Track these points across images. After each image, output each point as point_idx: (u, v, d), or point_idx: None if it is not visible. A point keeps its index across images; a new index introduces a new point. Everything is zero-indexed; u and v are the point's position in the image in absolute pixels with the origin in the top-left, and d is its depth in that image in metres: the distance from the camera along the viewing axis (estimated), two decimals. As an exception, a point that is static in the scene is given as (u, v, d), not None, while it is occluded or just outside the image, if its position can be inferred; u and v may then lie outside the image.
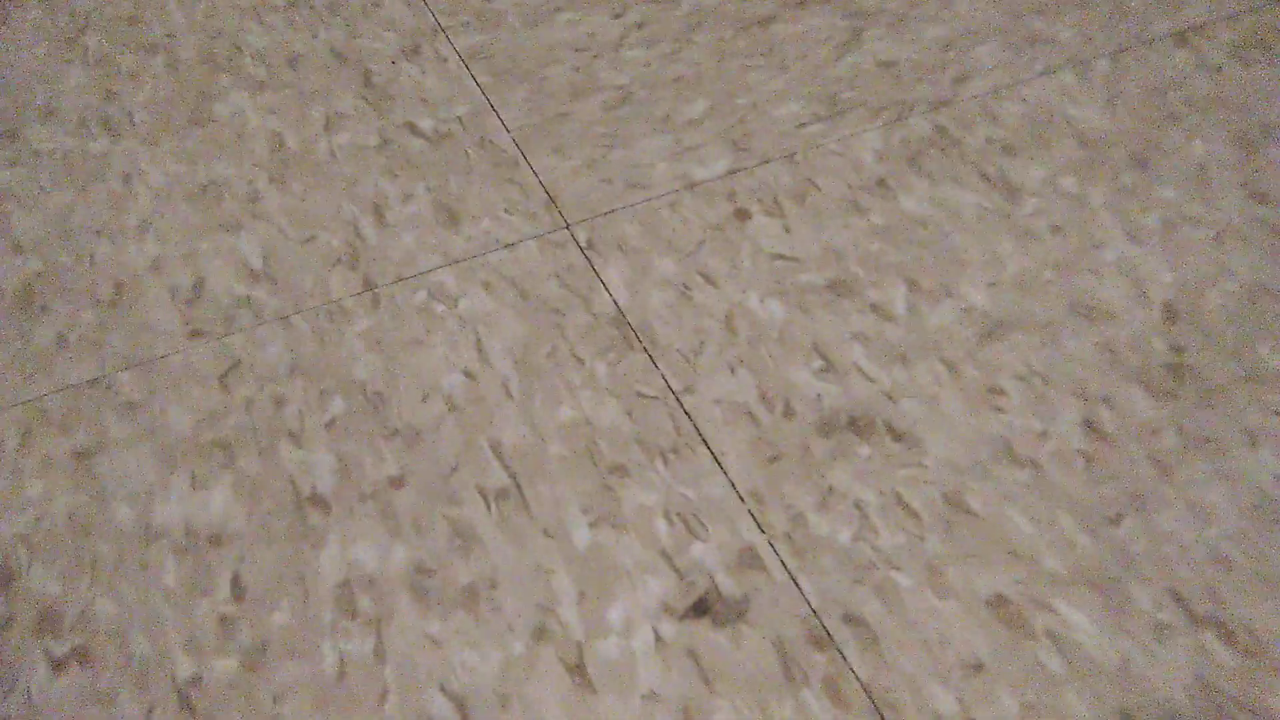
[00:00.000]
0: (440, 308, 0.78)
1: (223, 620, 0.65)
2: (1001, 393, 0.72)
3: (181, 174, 0.86)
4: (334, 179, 0.85)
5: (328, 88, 0.91)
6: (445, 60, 0.92)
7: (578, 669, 0.62)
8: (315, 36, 0.94)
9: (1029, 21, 0.94)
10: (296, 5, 0.97)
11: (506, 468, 0.70)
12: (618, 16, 0.96)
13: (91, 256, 0.81)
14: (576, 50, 0.93)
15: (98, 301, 0.79)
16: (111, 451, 0.72)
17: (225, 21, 0.95)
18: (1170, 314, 0.76)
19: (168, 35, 0.94)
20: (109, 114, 0.89)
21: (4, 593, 0.67)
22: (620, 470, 0.69)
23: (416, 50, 0.94)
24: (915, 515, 0.67)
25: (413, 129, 0.88)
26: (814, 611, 0.64)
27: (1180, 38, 0.93)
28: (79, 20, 0.95)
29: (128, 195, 0.84)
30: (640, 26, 0.95)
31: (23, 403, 0.75)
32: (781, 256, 0.79)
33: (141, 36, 0.94)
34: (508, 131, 0.87)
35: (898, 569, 0.65)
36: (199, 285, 0.79)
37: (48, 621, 0.66)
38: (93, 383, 0.75)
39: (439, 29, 0.95)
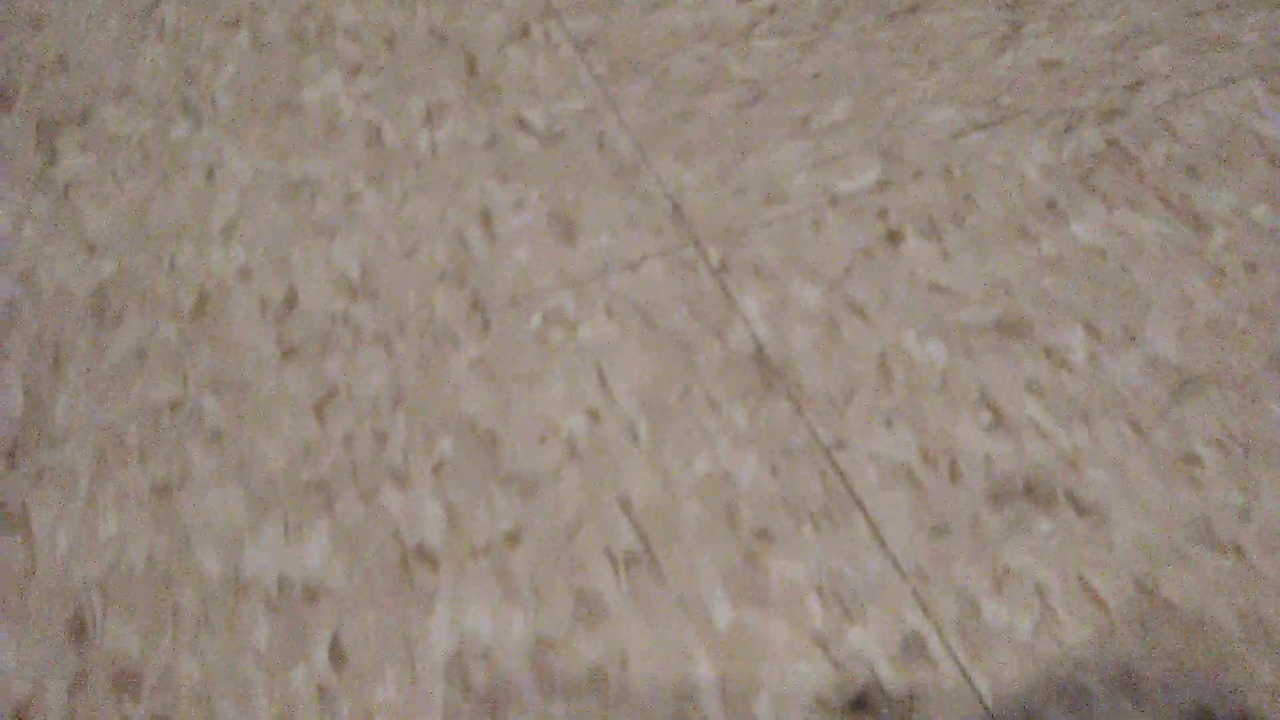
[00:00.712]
0: (558, 334, 0.70)
1: (321, 691, 0.58)
2: (1197, 461, 0.64)
3: (270, 170, 0.78)
4: (437, 180, 0.77)
5: (428, 74, 0.83)
6: (557, 46, 0.84)
7: (729, 781, 0.55)
8: (414, 13, 0.86)
9: (1207, 21, 0.85)
10: (393, -22, 0.88)
11: (637, 528, 0.62)
12: (745, 0, 0.86)
13: (172, 260, 0.74)
14: (701, 38, 0.84)
15: (179, 313, 0.72)
16: (196, 488, 0.65)
17: (316, -6, 0.87)
18: (1385, 373, 0.67)
19: (252, 7, 0.86)
20: (189, 97, 0.81)
21: (76, 646, 0.60)
22: (765, 536, 0.61)
23: (525, 33, 0.85)
24: (1104, 605, 0.59)
25: (522, 125, 0.80)
26: (990, 715, 0.56)
27: (1377, 44, 0.83)
28: (156, -12, 0.87)
29: (211, 191, 0.77)
30: (772, 12, 0.85)
31: (98, 426, 0.68)
32: (940, 288, 0.70)
33: (223, 9, 0.86)
34: (629, 131, 0.79)
35: (1086, 670, 0.57)
36: (291, 298, 0.72)
37: (125, 682, 0.59)
38: (174, 406, 0.68)
39: (550, 9, 0.86)
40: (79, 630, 0.61)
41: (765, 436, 0.65)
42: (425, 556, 0.62)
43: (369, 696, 0.58)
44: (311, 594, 0.61)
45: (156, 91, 0.81)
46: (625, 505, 0.63)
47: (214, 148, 0.79)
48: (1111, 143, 0.77)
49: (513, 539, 0.62)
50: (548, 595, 0.60)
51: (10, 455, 0.66)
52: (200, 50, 0.84)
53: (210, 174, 0.78)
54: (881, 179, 0.75)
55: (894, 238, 0.72)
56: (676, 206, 0.75)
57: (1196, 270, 0.71)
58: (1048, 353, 0.68)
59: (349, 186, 0.77)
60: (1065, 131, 0.77)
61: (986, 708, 0.56)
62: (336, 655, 0.59)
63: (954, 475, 0.63)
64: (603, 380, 0.68)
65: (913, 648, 0.58)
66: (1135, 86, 0.80)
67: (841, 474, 0.63)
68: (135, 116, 0.80)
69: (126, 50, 0.84)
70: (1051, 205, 0.74)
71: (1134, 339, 0.68)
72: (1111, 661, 0.57)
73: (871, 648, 0.58)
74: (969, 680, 0.57)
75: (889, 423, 0.65)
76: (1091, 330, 0.69)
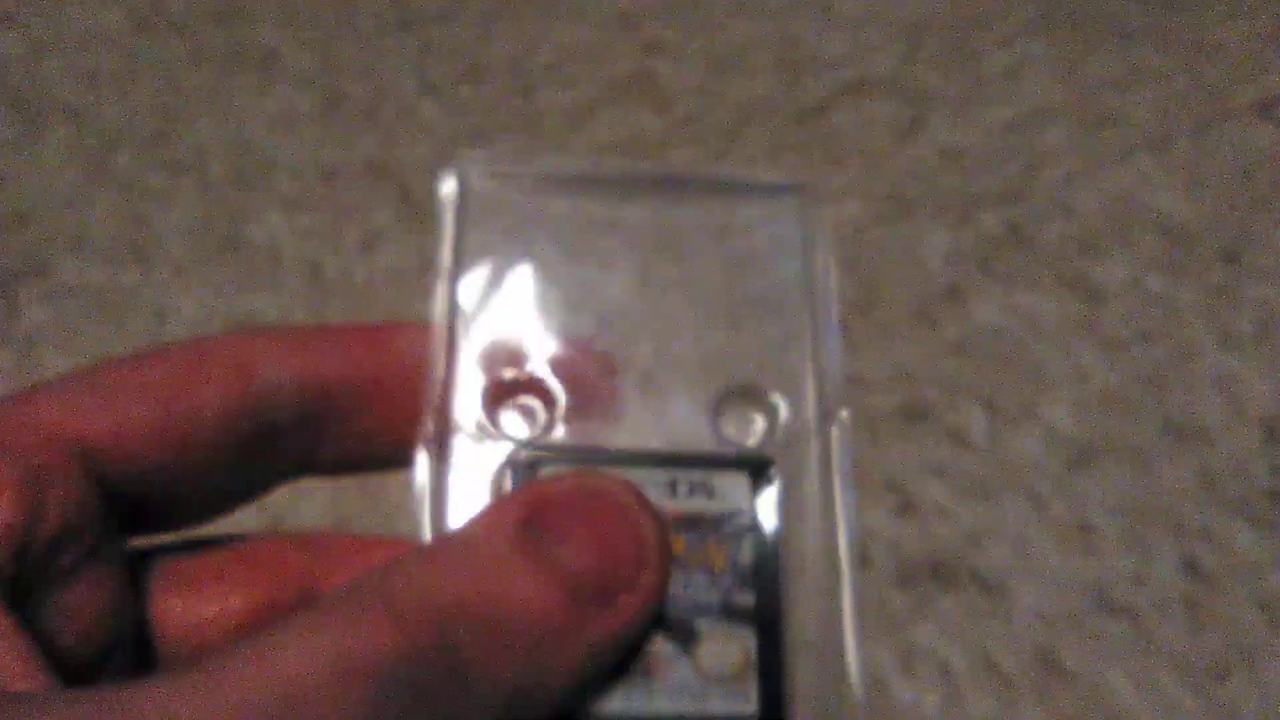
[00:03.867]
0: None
1: None
2: (1093, 530, 0.67)
3: (216, 307, 0.82)
4: (373, 306, 0.81)
5: (364, 204, 0.87)
6: (485, 168, 0.89)
7: None
8: (350, 148, 0.91)
9: (1100, 98, 0.89)
10: (329, 113, 0.93)
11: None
12: (662, 112, 0.91)
13: (126, 400, 0.78)
14: (622, 150, 0.89)
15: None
16: None
17: (256, 134, 0.92)
18: (1270, 432, 0.70)
19: (198, 151, 0.91)
20: (140, 241, 0.86)
21: None
22: (685, 632, 0.65)
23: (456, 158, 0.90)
24: (1006, 678, 0.62)
25: (454, 246, 0.84)
26: (901, 793, 0.59)
27: (1264, 109, 0.87)
28: (108, 139, 0.92)
29: (161, 332, 0.81)
30: (687, 122, 0.90)
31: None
32: (848, 378, 0.74)
33: (171, 154, 0.91)
34: (553, 245, 0.83)
35: (991, 744, 0.60)
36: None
37: None
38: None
39: (478, 133, 0.91)
40: None
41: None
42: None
43: None
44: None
45: (110, 239, 0.87)
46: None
47: (163, 290, 0.84)
48: (1010, 225, 0.81)
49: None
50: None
51: None
52: (150, 195, 0.89)
53: (160, 315, 0.82)
54: (791, 276, 0.79)
55: (803, 332, 0.76)
56: (600, 315, 0.79)
57: (1092, 343, 0.75)
58: (950, 434, 0.71)
59: (290, 318, 0.81)
60: (965, 218, 0.81)
61: (897, 785, 0.60)
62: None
63: (864, 560, 0.67)
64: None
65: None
66: (1032, 168, 0.84)
67: (756, 566, 0.67)
68: (90, 267, 0.85)
69: (82, 201, 0.89)
70: (953, 290, 0.78)
71: (1032, 414, 0.72)
72: (1015, 732, 0.60)
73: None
74: (880, 759, 0.60)
75: (801, 513, 0.69)
76: (991, 409, 0.72)
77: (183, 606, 0.32)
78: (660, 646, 0.30)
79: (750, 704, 0.31)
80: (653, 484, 0.31)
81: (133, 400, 0.30)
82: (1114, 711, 0.61)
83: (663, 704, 0.30)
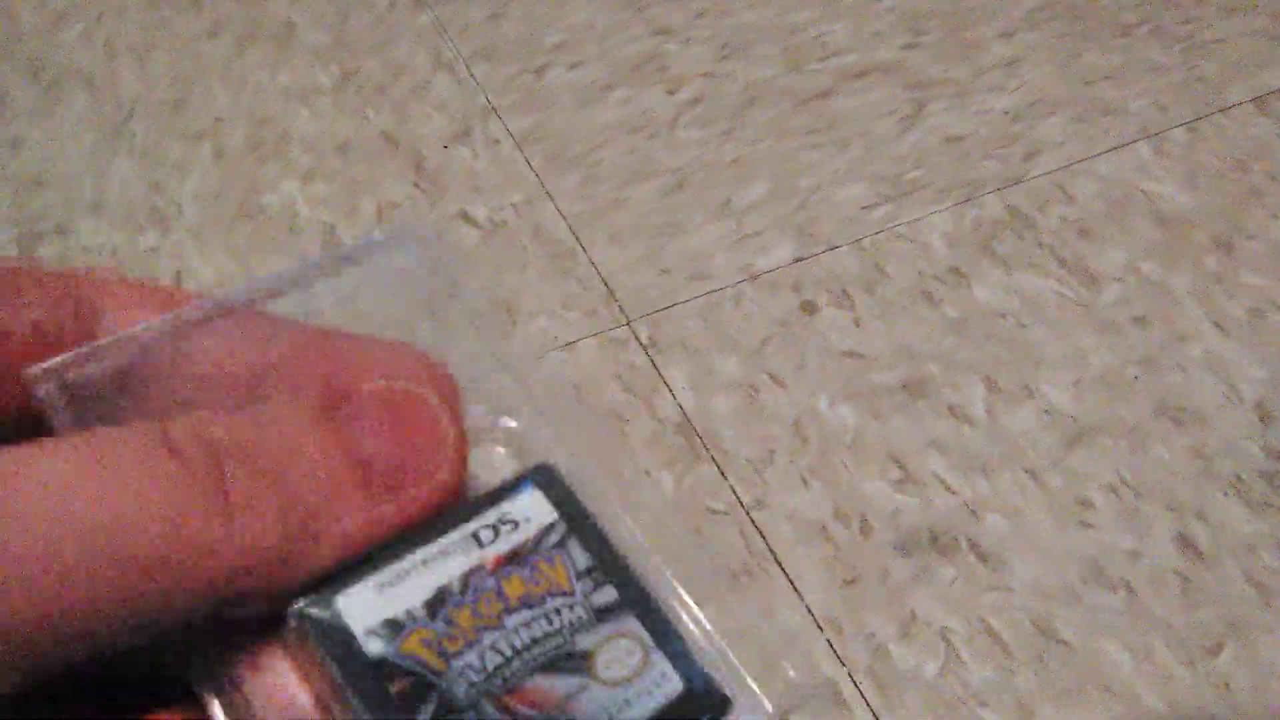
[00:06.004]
0: (502, 419, 0.75)
1: None
2: (1090, 506, 0.69)
3: (232, 271, 0.84)
4: (387, 275, 0.83)
5: (379, 176, 0.89)
6: (498, 143, 0.90)
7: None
8: (365, 120, 0.92)
9: (1099, 90, 0.91)
10: (344, 87, 0.95)
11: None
12: (671, 93, 0.93)
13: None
14: (630, 131, 0.90)
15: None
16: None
17: (272, 106, 0.93)
18: (1264, 414, 0.72)
19: (215, 120, 0.92)
20: (158, 206, 0.87)
21: None
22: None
23: (468, 133, 0.91)
24: (1004, 646, 0.64)
25: (466, 218, 0.86)
26: (900, 752, 0.61)
27: (1260, 103, 0.90)
28: (125, 107, 0.94)
29: (178, 296, 0.83)
30: (695, 103, 0.92)
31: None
32: (851, 354, 0.76)
33: (188, 123, 0.92)
34: (564, 219, 0.85)
35: (987, 706, 0.62)
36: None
37: None
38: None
39: (491, 110, 0.93)
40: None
41: (691, 500, 0.70)
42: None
43: None
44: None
45: (127, 204, 0.88)
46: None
47: (181, 252, 0.85)
48: (1010, 209, 0.83)
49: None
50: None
51: None
52: (167, 163, 0.90)
53: (178, 278, 0.84)
54: (796, 254, 0.81)
55: (808, 308, 0.78)
56: (609, 288, 0.81)
57: (1090, 325, 0.77)
58: (950, 410, 0.73)
59: (305, 286, 0.83)
60: (967, 201, 0.83)
61: (896, 744, 0.61)
62: None
63: (864, 529, 0.68)
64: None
65: (827, 693, 0.63)
66: (1032, 155, 0.86)
67: (761, 532, 0.69)
68: (109, 228, 0.86)
69: (99, 166, 0.90)
70: (955, 271, 0.80)
71: (1031, 393, 0.74)
72: (1011, 699, 0.62)
73: (789, 697, 0.63)
74: (880, 720, 0.62)
75: (804, 482, 0.70)
76: (991, 386, 0.74)
77: None
78: (563, 685, 0.28)
79: (673, 680, 0.30)
80: (458, 550, 0.29)
81: None
82: (1110, 681, 0.63)
83: None
